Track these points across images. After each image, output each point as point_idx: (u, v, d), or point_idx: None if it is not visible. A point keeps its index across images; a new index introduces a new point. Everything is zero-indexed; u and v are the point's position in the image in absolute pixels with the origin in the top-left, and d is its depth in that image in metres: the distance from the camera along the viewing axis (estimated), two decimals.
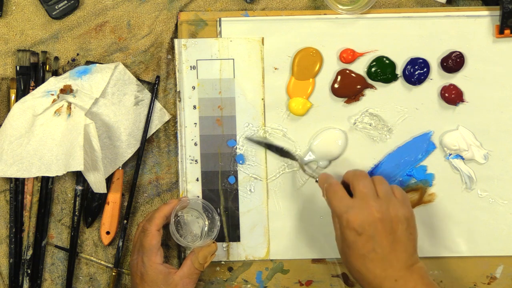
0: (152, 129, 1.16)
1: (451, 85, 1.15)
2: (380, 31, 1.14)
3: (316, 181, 1.10)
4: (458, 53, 1.14)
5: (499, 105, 1.15)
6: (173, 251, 1.17)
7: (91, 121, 1.10)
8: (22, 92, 1.14)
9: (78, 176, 1.15)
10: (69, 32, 1.16)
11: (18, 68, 1.14)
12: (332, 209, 1.04)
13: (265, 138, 1.15)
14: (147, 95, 1.16)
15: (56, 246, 1.17)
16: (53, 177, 1.16)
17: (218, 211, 1.16)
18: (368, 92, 1.15)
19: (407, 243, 1.01)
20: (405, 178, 1.16)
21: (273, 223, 1.16)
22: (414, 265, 1.01)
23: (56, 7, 1.14)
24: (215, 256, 1.12)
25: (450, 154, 1.16)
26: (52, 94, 1.12)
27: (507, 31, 1.12)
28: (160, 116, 1.16)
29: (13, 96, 1.15)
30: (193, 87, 1.15)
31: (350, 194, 1.04)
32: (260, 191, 1.16)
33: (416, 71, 1.14)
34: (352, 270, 1.02)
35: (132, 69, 1.16)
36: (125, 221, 1.16)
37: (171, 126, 1.17)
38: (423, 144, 1.16)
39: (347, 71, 1.15)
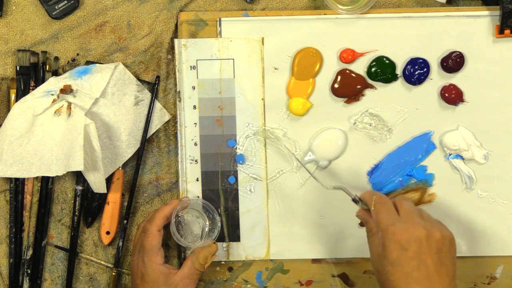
0: (152, 129, 1.16)
1: (451, 85, 1.15)
2: (380, 31, 1.14)
3: (353, 200, 1.06)
4: (458, 53, 1.14)
5: (499, 105, 1.15)
6: (173, 251, 1.17)
7: (91, 121, 1.10)
8: (22, 92, 1.14)
9: (78, 176, 1.15)
10: (69, 32, 1.16)
11: (18, 68, 1.14)
12: (378, 221, 1.00)
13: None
14: (147, 95, 1.16)
15: (56, 246, 1.17)
16: (53, 177, 1.16)
17: (218, 211, 1.16)
18: (368, 92, 1.15)
19: (449, 267, 0.98)
20: (405, 178, 1.16)
21: (273, 223, 1.16)
22: None
23: (56, 7, 1.14)
24: (215, 256, 1.12)
25: (450, 154, 1.16)
26: (52, 94, 1.12)
27: (507, 31, 1.12)
28: (160, 116, 1.16)
29: (13, 96, 1.15)
30: (193, 87, 1.16)
31: None
32: (260, 191, 1.16)
33: (416, 71, 1.14)
34: None
35: (132, 69, 1.16)
36: (125, 221, 1.16)
37: (171, 126, 1.17)
38: (423, 144, 1.16)
39: (347, 71, 1.15)
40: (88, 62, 1.15)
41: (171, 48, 1.16)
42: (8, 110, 1.14)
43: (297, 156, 1.16)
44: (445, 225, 1.02)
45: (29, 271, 1.15)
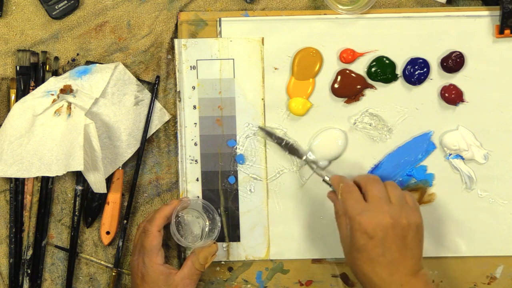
0: (152, 129, 1.16)
1: (451, 85, 1.15)
2: (380, 31, 1.14)
3: (323, 180, 1.10)
4: (458, 53, 1.14)
5: (499, 105, 1.15)
6: (173, 251, 1.17)
7: (91, 121, 1.10)
8: (22, 92, 1.14)
9: (78, 176, 1.15)
10: (69, 32, 1.16)
11: (18, 68, 1.14)
12: (345, 209, 1.03)
13: (276, 132, 1.14)
14: (147, 95, 1.16)
15: (56, 246, 1.17)
16: (53, 177, 1.16)
17: (218, 211, 1.16)
18: (368, 92, 1.15)
19: (414, 250, 1.02)
20: (405, 178, 1.16)
21: (273, 223, 1.16)
22: (419, 271, 1.02)
23: (56, 7, 1.14)
24: (216, 256, 1.12)
25: (450, 154, 1.16)
26: (52, 94, 1.12)
27: (507, 31, 1.12)
28: (160, 116, 1.16)
29: (13, 96, 1.15)
30: (193, 87, 1.15)
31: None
32: (260, 191, 1.16)
33: (416, 71, 1.14)
34: (359, 272, 1.02)
35: (132, 69, 1.16)
36: (125, 221, 1.16)
37: (171, 126, 1.17)
38: (423, 144, 1.16)
39: (347, 71, 1.15)
40: (88, 62, 1.15)
41: (171, 48, 1.16)
42: (8, 110, 1.14)
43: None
44: (415, 208, 1.04)
45: (29, 271, 1.15)
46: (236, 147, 1.16)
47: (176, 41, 1.15)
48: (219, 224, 1.14)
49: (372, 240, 1.00)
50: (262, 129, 1.14)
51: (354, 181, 1.07)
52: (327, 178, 1.10)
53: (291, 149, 1.13)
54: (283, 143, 1.13)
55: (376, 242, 1.00)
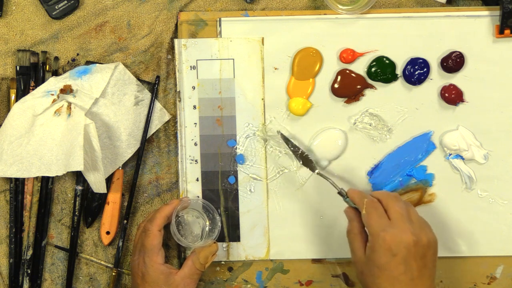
0: (152, 129, 1.16)
1: (451, 85, 1.15)
2: (380, 31, 1.14)
3: (339, 193, 1.08)
4: (458, 53, 1.14)
5: (499, 105, 1.15)
6: (173, 251, 1.17)
7: (91, 121, 1.10)
8: (22, 92, 1.14)
9: (78, 176, 1.15)
10: (69, 32, 1.16)
11: (18, 68, 1.14)
12: (369, 225, 1.02)
13: (293, 138, 1.14)
14: (147, 95, 1.16)
15: (56, 246, 1.17)
16: (53, 177, 1.16)
17: (218, 211, 1.16)
18: (368, 92, 1.15)
19: (432, 269, 1.01)
20: (405, 178, 1.16)
21: (273, 223, 1.16)
22: None
23: (56, 7, 1.14)
24: (216, 256, 1.12)
25: (450, 154, 1.16)
26: (52, 94, 1.12)
27: (507, 31, 1.12)
28: (160, 116, 1.16)
29: (13, 96, 1.15)
30: (193, 87, 1.15)
31: None
32: (260, 191, 1.16)
33: (416, 71, 1.14)
34: None
35: (132, 69, 1.16)
36: (125, 221, 1.16)
37: (171, 126, 1.17)
38: (423, 144, 1.16)
39: (347, 71, 1.15)
40: (88, 62, 1.15)
41: (171, 48, 1.16)
42: (8, 110, 1.14)
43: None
44: (430, 226, 1.04)
45: (29, 271, 1.15)
46: (236, 147, 1.16)
47: (176, 41, 1.15)
48: (219, 224, 1.14)
49: (395, 257, 0.99)
50: (281, 134, 1.13)
51: (373, 196, 1.06)
52: (343, 192, 1.07)
53: (305, 160, 1.12)
54: (299, 152, 1.12)
55: (399, 260, 0.99)
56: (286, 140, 1.12)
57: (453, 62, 1.14)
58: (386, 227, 1.00)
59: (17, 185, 1.15)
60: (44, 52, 1.15)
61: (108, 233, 1.16)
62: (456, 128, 1.15)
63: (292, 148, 1.11)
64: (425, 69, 1.14)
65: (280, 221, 1.17)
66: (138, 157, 1.16)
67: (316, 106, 1.16)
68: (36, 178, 1.15)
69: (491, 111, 1.15)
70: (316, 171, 1.10)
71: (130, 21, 1.16)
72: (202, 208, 1.15)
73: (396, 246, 0.99)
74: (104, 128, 1.14)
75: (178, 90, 1.15)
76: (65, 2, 1.14)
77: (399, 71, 1.15)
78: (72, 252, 1.16)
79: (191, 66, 1.15)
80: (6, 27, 1.15)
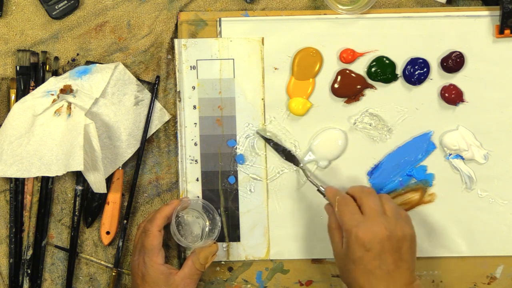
0: (152, 129, 1.16)
1: (451, 85, 1.15)
2: (380, 31, 1.14)
3: (318, 190, 1.10)
4: (458, 53, 1.14)
5: (499, 105, 1.15)
6: (173, 251, 1.17)
7: (91, 121, 1.10)
8: (22, 92, 1.14)
9: (78, 176, 1.15)
10: (69, 32, 1.16)
11: (18, 68, 1.14)
12: (342, 222, 1.03)
13: (274, 137, 1.15)
14: (147, 95, 1.16)
15: (56, 246, 1.17)
16: (53, 177, 1.16)
17: (218, 211, 1.16)
18: (368, 92, 1.15)
19: (409, 262, 1.02)
20: (405, 178, 1.16)
21: (273, 223, 1.16)
22: (413, 283, 1.02)
23: (56, 7, 1.14)
24: (216, 256, 1.12)
25: (450, 154, 1.16)
26: (52, 94, 1.12)
27: (507, 31, 1.12)
28: (160, 116, 1.16)
29: (13, 96, 1.15)
30: (193, 87, 1.15)
31: None
32: (260, 191, 1.16)
33: (416, 71, 1.14)
34: (354, 285, 1.02)
35: (132, 69, 1.16)
36: (125, 221, 1.16)
37: (171, 126, 1.17)
38: (423, 144, 1.16)
39: (347, 71, 1.15)
40: (88, 62, 1.15)
41: (171, 48, 1.16)
42: (8, 110, 1.14)
43: (298, 156, 1.16)
44: (408, 219, 1.05)
45: (29, 271, 1.15)
46: (236, 147, 1.16)
47: (176, 41, 1.15)
48: (219, 224, 1.14)
49: (369, 252, 1.00)
50: (259, 134, 1.14)
51: (348, 192, 1.07)
52: (322, 189, 1.10)
53: (288, 156, 1.13)
54: (280, 149, 1.13)
55: (373, 255, 1.00)
56: (266, 139, 1.12)
57: (453, 62, 1.14)
58: (358, 223, 1.02)
59: (17, 185, 1.15)
60: (44, 52, 1.15)
61: (108, 233, 1.16)
62: (456, 128, 1.15)
63: (273, 146, 1.12)
64: (425, 69, 1.14)
65: (280, 221, 1.17)
66: (138, 157, 1.16)
67: (316, 106, 1.16)
68: (36, 178, 1.15)
69: (491, 111, 1.15)
70: (300, 165, 1.11)
71: (130, 21, 1.16)
72: (202, 208, 1.15)
73: (369, 241, 1.00)
74: (104, 128, 1.14)
75: (178, 90, 1.15)
76: (65, 2, 1.14)
77: (399, 71, 1.15)
78: (72, 252, 1.16)
79: (191, 66, 1.15)
80: (6, 27, 1.15)
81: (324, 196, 1.09)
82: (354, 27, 1.14)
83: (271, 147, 1.13)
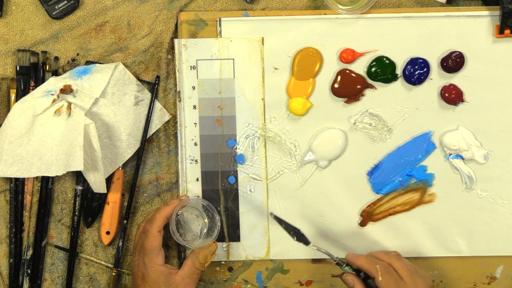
0: (152, 129, 1.16)
1: (451, 85, 1.15)
2: (380, 31, 1.14)
3: (337, 263, 1.09)
4: (458, 53, 1.14)
5: (499, 105, 1.15)
6: (173, 251, 1.17)
7: (91, 121, 1.10)
8: (22, 92, 1.14)
9: (78, 176, 1.15)
10: (69, 32, 1.16)
11: (18, 68, 1.14)
12: None
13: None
14: (147, 95, 1.16)
15: (56, 246, 1.17)
16: (53, 177, 1.16)
17: (218, 211, 1.16)
18: (368, 92, 1.15)
19: None
20: (405, 178, 1.16)
21: (273, 223, 1.16)
22: None
23: (56, 7, 1.14)
24: (215, 255, 1.12)
25: (450, 154, 1.16)
26: (52, 94, 1.12)
27: (507, 31, 1.12)
28: (160, 116, 1.16)
29: (13, 96, 1.15)
30: (193, 87, 1.15)
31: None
32: (260, 191, 1.16)
33: (416, 71, 1.14)
34: None
35: (132, 69, 1.16)
36: (125, 221, 1.16)
37: (171, 126, 1.17)
38: (423, 144, 1.16)
39: (347, 71, 1.15)
40: (88, 62, 1.15)
41: (171, 48, 1.16)
42: (8, 110, 1.14)
43: (297, 155, 1.16)
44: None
45: (29, 271, 1.15)
46: (236, 147, 1.16)
47: (176, 41, 1.15)
48: (219, 223, 1.14)
49: None
50: (274, 216, 1.12)
51: (375, 257, 1.08)
52: (341, 262, 1.09)
53: (298, 236, 1.12)
54: (292, 231, 1.12)
55: None
56: (279, 220, 1.12)
57: (453, 62, 1.14)
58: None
59: (17, 185, 1.15)
60: (44, 52, 1.15)
61: (108, 233, 1.16)
62: (456, 128, 1.15)
63: (284, 226, 1.11)
64: (425, 69, 1.14)
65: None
66: (138, 157, 1.16)
67: (316, 106, 1.16)
68: (36, 178, 1.15)
69: (491, 111, 1.15)
70: (311, 245, 1.11)
71: (130, 21, 1.16)
72: (202, 207, 1.15)
73: None
74: (104, 128, 1.14)
75: (178, 90, 1.15)
76: (65, 2, 1.14)
77: (399, 71, 1.15)
78: (72, 252, 1.16)
79: (191, 66, 1.15)
80: (6, 27, 1.15)
81: (342, 267, 1.09)
82: (354, 27, 1.14)
83: (282, 227, 1.12)
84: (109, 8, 1.16)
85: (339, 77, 1.15)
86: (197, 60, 1.15)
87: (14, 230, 1.15)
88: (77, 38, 1.16)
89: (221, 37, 1.15)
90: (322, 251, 1.10)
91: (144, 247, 1.09)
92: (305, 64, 1.15)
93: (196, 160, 1.16)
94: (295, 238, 1.11)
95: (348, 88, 1.15)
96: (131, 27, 1.16)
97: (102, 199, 1.16)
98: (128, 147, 1.15)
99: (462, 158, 1.15)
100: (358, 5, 1.13)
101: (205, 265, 1.10)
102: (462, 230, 1.16)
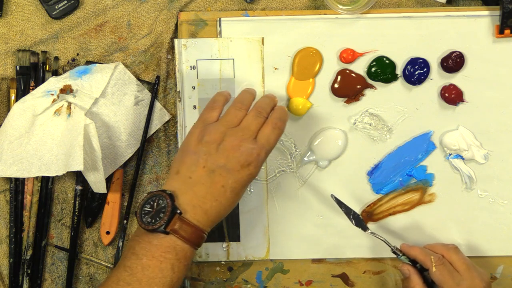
0: (152, 129, 1.16)
1: (451, 85, 1.15)
2: (380, 31, 1.14)
3: (393, 252, 1.09)
4: (458, 53, 1.14)
5: (499, 105, 1.15)
6: None
7: (91, 121, 1.10)
8: (22, 92, 1.14)
9: (78, 176, 1.15)
10: (69, 32, 1.16)
11: (18, 68, 1.14)
12: (441, 282, 1.05)
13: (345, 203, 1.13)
14: (147, 95, 1.16)
15: (56, 246, 1.17)
16: (53, 177, 1.16)
17: None
18: (368, 92, 1.15)
19: None
20: (405, 178, 1.16)
21: (273, 223, 1.16)
22: None
23: (56, 7, 1.14)
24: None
25: (450, 154, 1.16)
26: (52, 94, 1.12)
27: (507, 31, 1.12)
28: (160, 116, 1.16)
29: (13, 96, 1.15)
30: (193, 87, 1.15)
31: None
32: (260, 191, 1.16)
33: (416, 71, 1.14)
34: None
35: (132, 69, 1.16)
36: (125, 221, 1.16)
37: (171, 126, 1.17)
38: (423, 144, 1.16)
39: (347, 71, 1.15)
40: (88, 62, 1.16)
41: (171, 48, 1.16)
42: (8, 110, 1.14)
43: (297, 156, 1.16)
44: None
45: (29, 271, 1.15)
46: None
47: (176, 41, 1.15)
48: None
49: None
50: (335, 198, 1.11)
51: (432, 251, 1.09)
52: (398, 251, 1.09)
53: (357, 220, 1.11)
54: (351, 213, 1.11)
55: None
56: (339, 203, 1.11)
57: (453, 62, 1.14)
58: (460, 281, 1.05)
59: (17, 185, 1.15)
60: (44, 52, 1.15)
61: (108, 233, 1.16)
62: (456, 128, 1.15)
63: (344, 210, 1.11)
64: (425, 69, 1.14)
65: (280, 221, 1.17)
66: (138, 157, 1.16)
67: (316, 106, 1.16)
68: (36, 178, 1.15)
69: (491, 111, 1.15)
70: (369, 231, 1.10)
71: (130, 21, 1.16)
72: None
73: None
74: (104, 128, 1.14)
75: (178, 90, 1.15)
76: (65, 2, 1.14)
77: (399, 71, 1.15)
78: (72, 252, 1.16)
79: (191, 66, 1.15)
80: (6, 27, 1.15)
81: (399, 256, 1.09)
82: (354, 27, 1.14)
83: (342, 210, 1.11)
84: (109, 8, 1.16)
85: (339, 77, 1.15)
86: (197, 60, 1.15)
87: (14, 230, 1.15)
88: (77, 38, 1.16)
89: (221, 37, 1.15)
90: (380, 239, 1.09)
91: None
92: (305, 64, 1.15)
93: None
94: (353, 223, 1.10)
95: (348, 88, 1.15)
96: (131, 27, 1.16)
97: (102, 199, 1.16)
98: (128, 147, 1.15)
99: (462, 158, 1.15)
100: (358, 5, 1.13)
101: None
102: (462, 230, 1.16)
